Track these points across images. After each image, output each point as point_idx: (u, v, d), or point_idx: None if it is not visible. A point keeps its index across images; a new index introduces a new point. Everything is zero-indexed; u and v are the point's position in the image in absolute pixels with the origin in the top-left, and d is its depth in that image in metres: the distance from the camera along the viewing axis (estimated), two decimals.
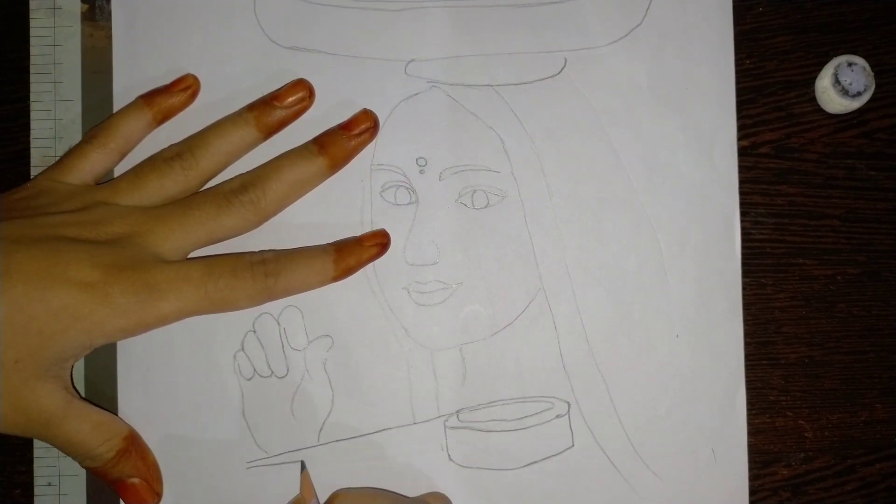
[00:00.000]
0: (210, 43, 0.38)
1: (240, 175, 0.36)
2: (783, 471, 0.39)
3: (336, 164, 0.37)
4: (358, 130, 0.37)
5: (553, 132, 0.38)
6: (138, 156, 0.37)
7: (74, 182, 0.36)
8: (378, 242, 0.37)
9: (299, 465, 0.37)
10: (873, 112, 0.39)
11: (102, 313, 0.32)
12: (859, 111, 0.39)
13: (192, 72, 0.38)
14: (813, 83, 0.39)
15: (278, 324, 0.38)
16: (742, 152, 0.39)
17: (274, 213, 0.36)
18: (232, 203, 0.35)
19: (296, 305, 0.38)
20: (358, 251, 0.37)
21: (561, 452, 0.38)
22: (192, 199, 0.35)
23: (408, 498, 0.36)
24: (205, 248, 0.36)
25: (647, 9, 0.39)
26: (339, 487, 0.37)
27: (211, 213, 0.35)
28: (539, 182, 0.38)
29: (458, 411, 0.38)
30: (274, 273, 0.35)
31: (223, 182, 0.36)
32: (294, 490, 0.37)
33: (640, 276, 0.38)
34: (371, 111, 0.38)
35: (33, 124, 0.38)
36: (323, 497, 0.36)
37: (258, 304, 0.35)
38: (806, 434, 0.39)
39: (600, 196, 0.38)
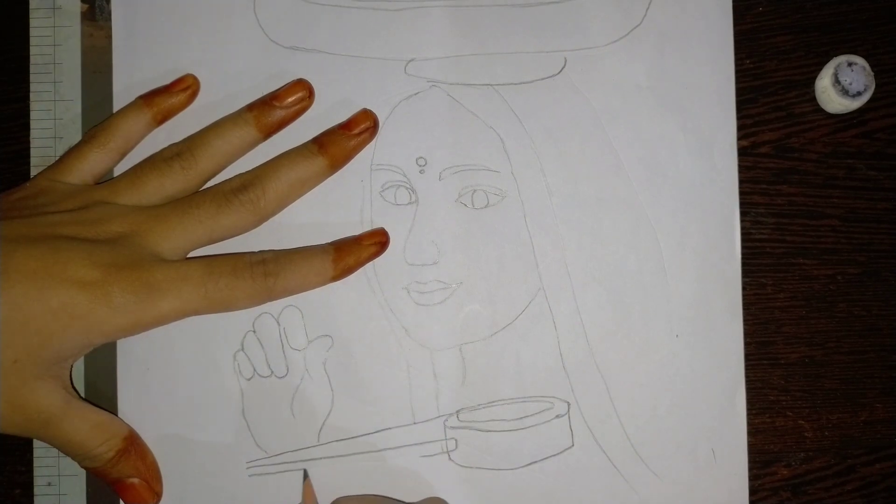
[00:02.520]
0: (210, 43, 0.38)
1: (239, 174, 0.36)
2: (783, 471, 0.39)
3: (336, 164, 0.37)
4: (358, 130, 0.37)
5: (553, 132, 0.38)
6: (138, 156, 0.37)
7: (74, 182, 0.36)
8: (377, 241, 0.37)
9: (301, 472, 0.37)
10: (873, 112, 0.39)
11: (101, 312, 0.32)
12: (859, 111, 0.39)
13: (192, 72, 0.38)
14: (813, 83, 0.39)
15: (278, 324, 0.37)
16: (742, 152, 0.39)
17: (273, 213, 0.36)
18: (231, 202, 0.35)
19: (296, 305, 0.38)
20: (357, 250, 0.37)
21: (561, 452, 0.37)
22: (192, 199, 0.35)
23: None
24: (204, 249, 0.36)
25: (647, 8, 0.38)
26: (338, 487, 0.37)
27: (210, 212, 0.35)
28: (539, 182, 0.38)
29: (458, 411, 0.38)
30: (273, 273, 0.35)
31: (223, 181, 0.36)
32: (293, 490, 0.37)
33: (640, 276, 0.38)
34: (371, 111, 0.38)
35: (33, 124, 0.38)
36: (325, 502, 0.36)
37: (258, 304, 0.35)
38: (806, 434, 0.39)
39: (600, 196, 0.38)
